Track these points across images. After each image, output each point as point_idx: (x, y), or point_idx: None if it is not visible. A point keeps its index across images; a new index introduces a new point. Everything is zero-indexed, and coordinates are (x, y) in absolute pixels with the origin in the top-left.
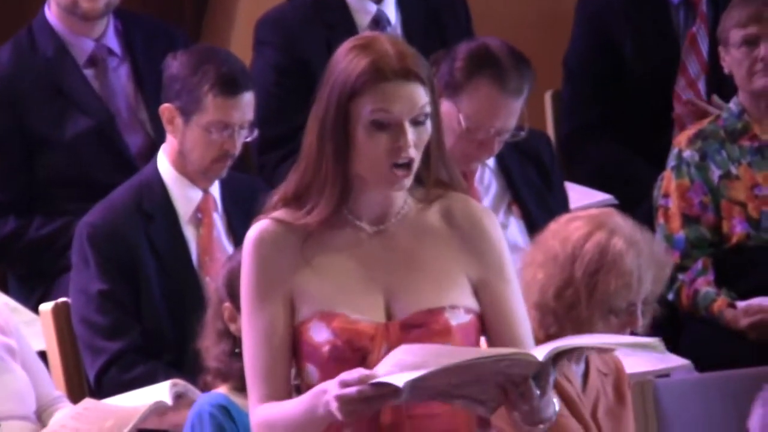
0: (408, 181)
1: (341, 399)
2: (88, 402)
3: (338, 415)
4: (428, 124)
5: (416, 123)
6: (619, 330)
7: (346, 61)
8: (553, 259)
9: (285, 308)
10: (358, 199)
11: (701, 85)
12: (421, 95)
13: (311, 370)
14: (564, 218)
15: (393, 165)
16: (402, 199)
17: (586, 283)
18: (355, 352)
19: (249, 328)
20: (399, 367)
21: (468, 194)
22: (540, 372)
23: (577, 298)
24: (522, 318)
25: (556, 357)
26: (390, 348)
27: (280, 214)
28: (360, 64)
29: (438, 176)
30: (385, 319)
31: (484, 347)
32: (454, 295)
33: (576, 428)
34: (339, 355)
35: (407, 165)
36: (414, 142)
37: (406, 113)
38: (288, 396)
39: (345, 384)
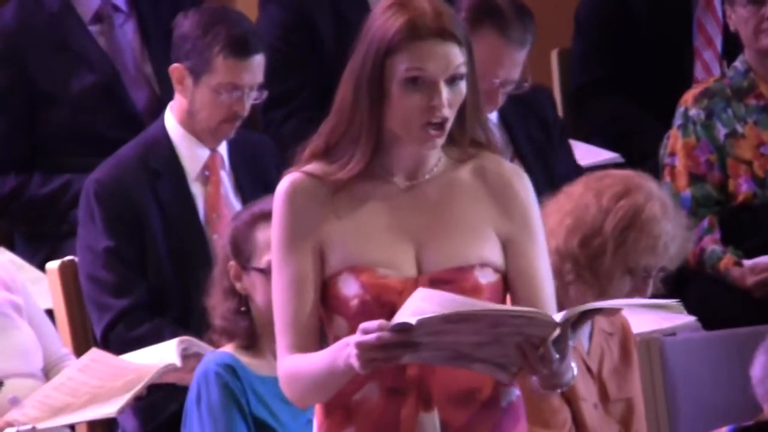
0: (440, 141)
1: (361, 346)
2: (94, 353)
3: (356, 365)
4: (463, 84)
5: (451, 82)
6: (630, 293)
7: (383, 17)
8: (585, 208)
9: (315, 258)
10: (391, 154)
11: (718, 43)
12: (456, 55)
13: (340, 322)
14: (598, 174)
15: (426, 123)
16: (435, 156)
17: (615, 236)
18: (383, 306)
19: (278, 278)
20: (418, 313)
21: (502, 156)
22: (559, 336)
23: (603, 249)
24: (546, 279)
25: (576, 321)
26: None
27: (311, 167)
28: (397, 21)
29: (473, 136)
30: (415, 273)
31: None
32: (484, 253)
33: (580, 389)
34: (367, 310)
35: (440, 124)
36: (448, 101)
37: (441, 72)
38: (316, 347)
39: (365, 331)
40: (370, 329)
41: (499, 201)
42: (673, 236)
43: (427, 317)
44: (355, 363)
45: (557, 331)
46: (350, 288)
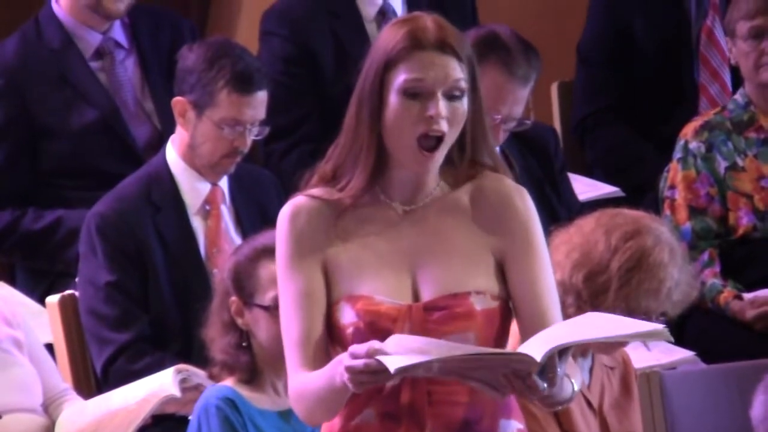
0: (434, 164)
1: (350, 370)
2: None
3: (348, 386)
4: (463, 102)
5: (451, 97)
6: None
7: (386, 33)
8: (593, 244)
9: (318, 277)
10: (391, 178)
11: (725, 75)
12: (455, 69)
13: (339, 351)
14: (611, 211)
15: (422, 136)
16: (434, 180)
17: (620, 276)
18: (376, 333)
19: (283, 298)
20: (405, 349)
21: (508, 176)
22: (546, 366)
23: (607, 287)
24: (549, 293)
25: (566, 348)
26: (412, 329)
27: (316, 191)
28: (398, 34)
29: (477, 158)
30: (411, 300)
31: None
32: (480, 280)
33: (581, 424)
34: (362, 337)
35: (436, 140)
36: (447, 116)
37: (439, 83)
38: (325, 363)
39: (354, 356)
40: (359, 354)
41: (498, 219)
42: (678, 282)
43: (403, 366)
44: (347, 383)
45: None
46: (347, 316)
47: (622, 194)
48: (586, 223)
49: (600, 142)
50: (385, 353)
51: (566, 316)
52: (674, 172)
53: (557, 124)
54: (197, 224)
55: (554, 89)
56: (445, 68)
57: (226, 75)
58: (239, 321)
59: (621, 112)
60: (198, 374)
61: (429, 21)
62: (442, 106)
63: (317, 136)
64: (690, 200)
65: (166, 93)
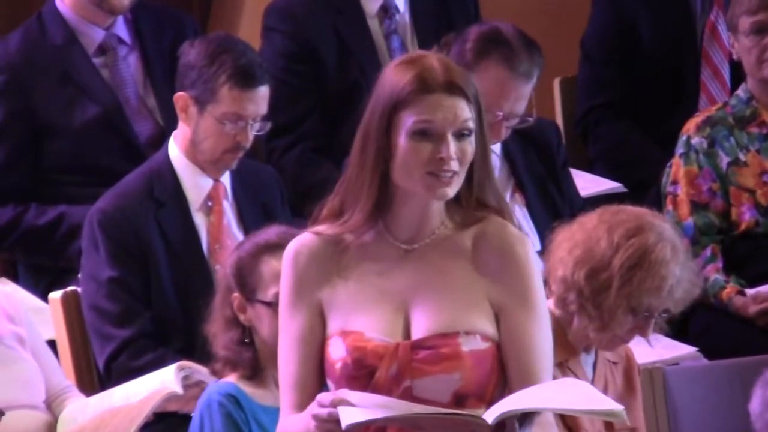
0: (451, 191)
1: (316, 418)
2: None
3: None
4: (471, 140)
5: (460, 136)
6: (631, 331)
7: (393, 73)
8: (596, 241)
9: (316, 319)
10: (396, 215)
11: (725, 72)
12: (464, 109)
13: (330, 386)
14: (614, 208)
15: (432, 174)
16: (438, 219)
17: (622, 273)
18: (362, 369)
19: (282, 337)
20: (369, 403)
21: (512, 221)
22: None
23: (609, 285)
24: (540, 350)
25: (531, 413)
26: (398, 368)
27: (322, 227)
28: (406, 76)
29: (482, 199)
30: (401, 338)
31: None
32: (472, 321)
33: (583, 419)
34: (348, 373)
35: (449, 178)
36: (457, 155)
37: (449, 124)
38: None
39: (321, 404)
40: (324, 403)
41: (498, 267)
42: (680, 280)
43: (354, 422)
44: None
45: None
46: (337, 351)
47: (624, 190)
48: (589, 220)
49: (602, 138)
50: (350, 404)
51: (568, 313)
52: (676, 168)
53: (559, 120)
54: (199, 220)
55: (556, 85)
56: (454, 109)
57: (228, 70)
58: (241, 317)
59: (624, 108)
60: (200, 371)
61: (435, 62)
62: (452, 146)
63: (319, 133)
64: (692, 196)
65: (169, 89)
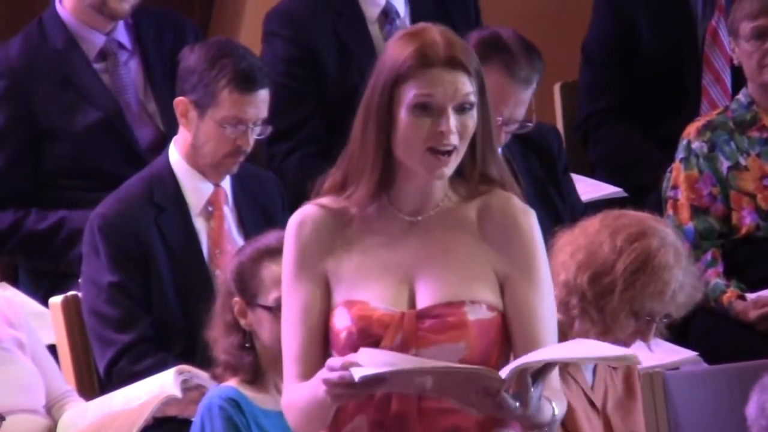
0: (448, 170)
1: (326, 382)
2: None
3: (327, 399)
4: (473, 114)
5: (460, 111)
6: (632, 336)
7: (394, 47)
8: (598, 245)
9: (320, 290)
10: (400, 188)
11: (727, 78)
12: (465, 83)
13: (334, 355)
14: (616, 212)
15: (434, 150)
16: (442, 192)
17: (625, 278)
18: (367, 339)
19: (286, 308)
20: (376, 362)
21: (516, 193)
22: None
23: (611, 289)
24: (545, 319)
25: (543, 370)
26: (404, 337)
27: (325, 200)
28: (407, 50)
29: (486, 172)
30: (406, 308)
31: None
32: (477, 290)
33: (584, 424)
34: (353, 342)
35: (449, 152)
36: (457, 129)
37: (449, 99)
38: None
39: (331, 368)
40: (334, 367)
41: (502, 239)
42: (682, 285)
43: (366, 375)
44: (326, 396)
45: (509, 382)
46: (342, 321)
47: (624, 194)
48: (591, 224)
49: (603, 142)
50: (359, 366)
51: (569, 317)
52: (677, 172)
53: (560, 125)
54: (200, 225)
55: (557, 89)
56: (455, 83)
57: (228, 74)
58: (242, 322)
59: (625, 112)
60: (199, 375)
61: (437, 35)
62: (452, 121)
63: (320, 138)
64: (693, 200)
65: (169, 94)
